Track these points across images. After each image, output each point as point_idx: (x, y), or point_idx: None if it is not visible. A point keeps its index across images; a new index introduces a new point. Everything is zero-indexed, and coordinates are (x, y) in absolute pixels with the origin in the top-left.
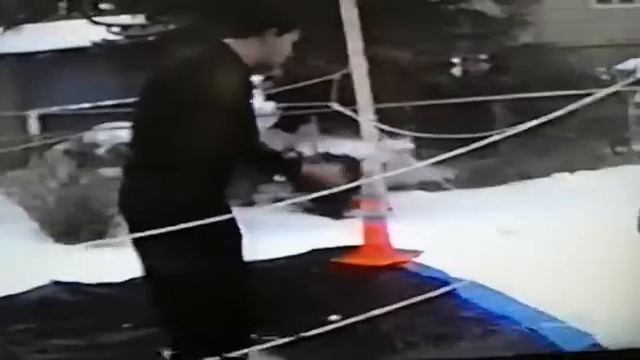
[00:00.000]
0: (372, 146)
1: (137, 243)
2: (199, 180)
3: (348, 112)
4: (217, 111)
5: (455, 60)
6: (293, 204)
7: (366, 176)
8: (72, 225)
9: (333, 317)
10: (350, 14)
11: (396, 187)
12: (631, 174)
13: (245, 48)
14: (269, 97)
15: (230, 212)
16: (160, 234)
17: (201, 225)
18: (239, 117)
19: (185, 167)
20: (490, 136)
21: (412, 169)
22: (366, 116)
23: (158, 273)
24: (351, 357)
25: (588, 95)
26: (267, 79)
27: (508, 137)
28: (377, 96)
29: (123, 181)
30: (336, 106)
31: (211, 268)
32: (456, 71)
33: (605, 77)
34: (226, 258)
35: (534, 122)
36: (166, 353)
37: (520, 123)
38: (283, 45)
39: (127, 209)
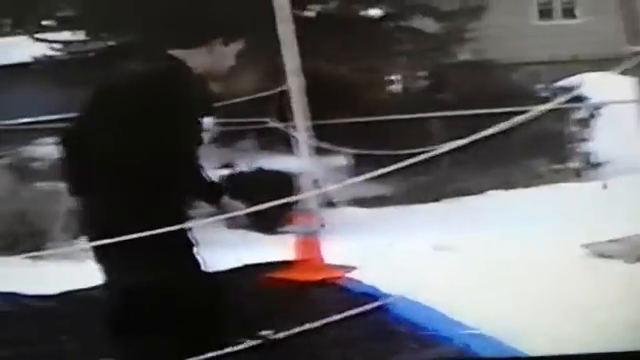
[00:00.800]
0: (306, 162)
1: (98, 255)
2: (153, 192)
3: (282, 128)
4: (170, 121)
5: (394, 77)
6: (227, 219)
7: (300, 192)
8: (10, 237)
9: (265, 332)
10: (286, 30)
11: (331, 203)
12: (566, 191)
13: (193, 58)
14: None
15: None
16: (116, 244)
17: (156, 236)
18: (191, 126)
19: (140, 177)
20: (423, 153)
21: (346, 185)
22: (302, 132)
23: (114, 283)
24: None
25: (525, 112)
26: None
27: (445, 154)
28: (315, 113)
29: (77, 199)
30: (272, 122)
31: (167, 278)
32: (395, 88)
33: (545, 94)
34: (180, 269)
35: (467, 139)
36: None
37: (458, 140)
38: (228, 55)
39: (86, 225)
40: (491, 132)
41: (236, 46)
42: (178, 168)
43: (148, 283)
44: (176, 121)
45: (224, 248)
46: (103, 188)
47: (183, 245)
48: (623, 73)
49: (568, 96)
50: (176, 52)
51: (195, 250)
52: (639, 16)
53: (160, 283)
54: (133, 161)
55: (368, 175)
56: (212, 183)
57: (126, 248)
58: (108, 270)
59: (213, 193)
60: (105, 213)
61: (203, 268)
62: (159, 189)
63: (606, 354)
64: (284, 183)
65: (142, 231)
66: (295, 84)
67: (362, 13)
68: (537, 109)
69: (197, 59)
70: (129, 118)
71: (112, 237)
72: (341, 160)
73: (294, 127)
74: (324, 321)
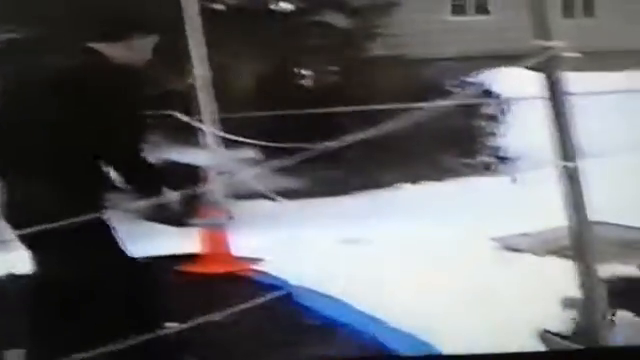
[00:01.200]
0: (213, 155)
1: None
2: (72, 181)
3: (190, 121)
4: (94, 111)
5: (305, 72)
6: (135, 212)
7: (207, 184)
8: None
9: (170, 324)
10: (193, 23)
11: (239, 196)
12: (476, 185)
13: (112, 51)
14: None
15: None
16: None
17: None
18: (119, 116)
19: (59, 168)
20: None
21: (255, 178)
22: (208, 125)
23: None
24: None
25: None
26: None
27: (355, 148)
28: (224, 106)
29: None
30: (180, 115)
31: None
32: (306, 82)
33: (457, 90)
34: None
35: (371, 132)
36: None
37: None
38: (146, 48)
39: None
40: (392, 127)
41: (153, 40)
42: (102, 158)
43: (68, 271)
44: (100, 112)
45: (132, 241)
46: (21, 178)
47: (104, 233)
48: (532, 69)
49: (476, 91)
50: (95, 45)
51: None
52: (547, 10)
53: (82, 271)
54: (54, 151)
55: (273, 165)
56: (150, 173)
57: (47, 236)
58: (32, 257)
59: (150, 183)
60: (24, 202)
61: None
62: (78, 179)
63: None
64: (193, 176)
65: (62, 219)
66: (201, 77)
67: (273, 7)
68: (443, 104)
69: (115, 52)
70: (50, 109)
71: (33, 225)
72: (250, 153)
73: (201, 120)
74: (230, 312)
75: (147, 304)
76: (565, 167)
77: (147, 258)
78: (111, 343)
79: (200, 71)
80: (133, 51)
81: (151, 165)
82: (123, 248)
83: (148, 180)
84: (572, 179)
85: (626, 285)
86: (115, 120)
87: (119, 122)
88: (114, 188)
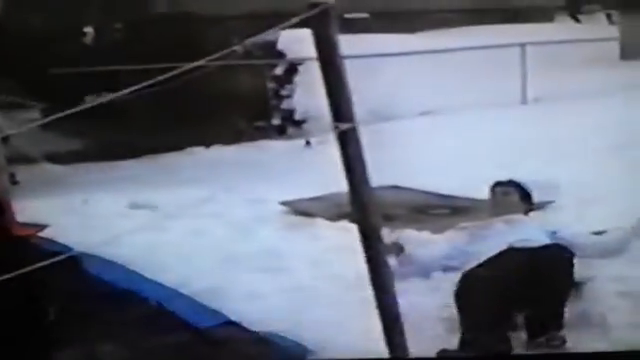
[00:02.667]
0: None
1: None
2: None
3: None
4: None
5: (87, 29)
6: None
7: None
8: None
9: None
10: None
11: (22, 159)
12: (269, 149)
13: None
14: None
15: None
16: None
17: None
18: None
19: None
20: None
21: (38, 140)
22: None
23: None
24: None
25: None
26: None
27: (142, 110)
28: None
29: None
30: None
31: None
32: (88, 40)
33: (241, 49)
34: None
35: (131, 89)
36: None
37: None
38: None
39: None
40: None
41: None
42: None
43: None
44: None
45: None
46: None
47: None
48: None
49: (263, 51)
50: None
51: None
52: None
53: None
54: None
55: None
56: None
57: None
58: None
59: None
60: None
61: None
62: None
63: None
64: None
65: None
66: None
67: None
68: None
69: None
70: None
71: None
72: (34, 114)
73: None
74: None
75: None
76: (337, 128)
77: None
78: None
79: None
80: None
81: None
82: None
83: None
84: (347, 141)
85: None
86: None
87: None
88: None
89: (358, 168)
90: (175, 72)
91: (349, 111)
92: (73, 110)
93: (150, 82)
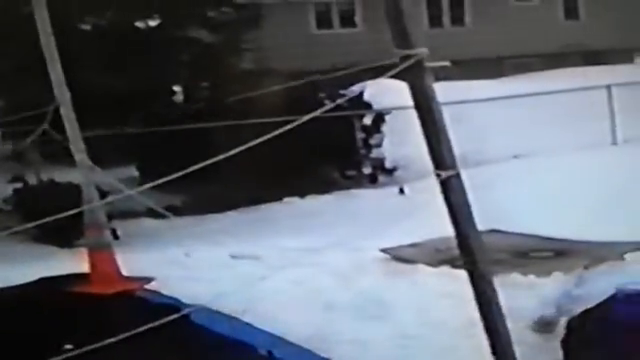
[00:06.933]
0: (87, 174)
1: None
2: None
3: (61, 140)
4: None
5: (176, 88)
6: (22, 233)
7: (86, 204)
8: None
9: (67, 346)
10: (48, 43)
11: (123, 215)
12: (361, 198)
13: None
14: None
15: None
16: None
17: None
18: None
19: None
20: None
21: (136, 196)
22: (76, 145)
23: None
24: None
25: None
26: None
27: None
28: (95, 124)
29: None
30: (51, 134)
31: None
32: (177, 98)
33: (327, 102)
34: None
35: (244, 147)
36: None
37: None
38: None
39: None
40: (262, 140)
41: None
42: None
43: None
44: None
45: (20, 262)
46: None
47: None
48: (398, 78)
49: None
50: None
51: None
52: (406, 20)
53: None
54: None
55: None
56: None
57: None
58: None
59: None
60: None
61: None
62: None
63: None
64: (74, 195)
65: None
66: (62, 97)
67: (138, 24)
68: (312, 114)
69: None
70: None
71: None
72: (132, 171)
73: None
74: (124, 335)
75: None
76: (439, 176)
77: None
78: None
79: (59, 90)
80: None
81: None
82: None
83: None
84: (451, 188)
85: None
86: None
87: None
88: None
89: (464, 214)
90: (285, 128)
91: (451, 158)
92: (183, 172)
93: (259, 140)
